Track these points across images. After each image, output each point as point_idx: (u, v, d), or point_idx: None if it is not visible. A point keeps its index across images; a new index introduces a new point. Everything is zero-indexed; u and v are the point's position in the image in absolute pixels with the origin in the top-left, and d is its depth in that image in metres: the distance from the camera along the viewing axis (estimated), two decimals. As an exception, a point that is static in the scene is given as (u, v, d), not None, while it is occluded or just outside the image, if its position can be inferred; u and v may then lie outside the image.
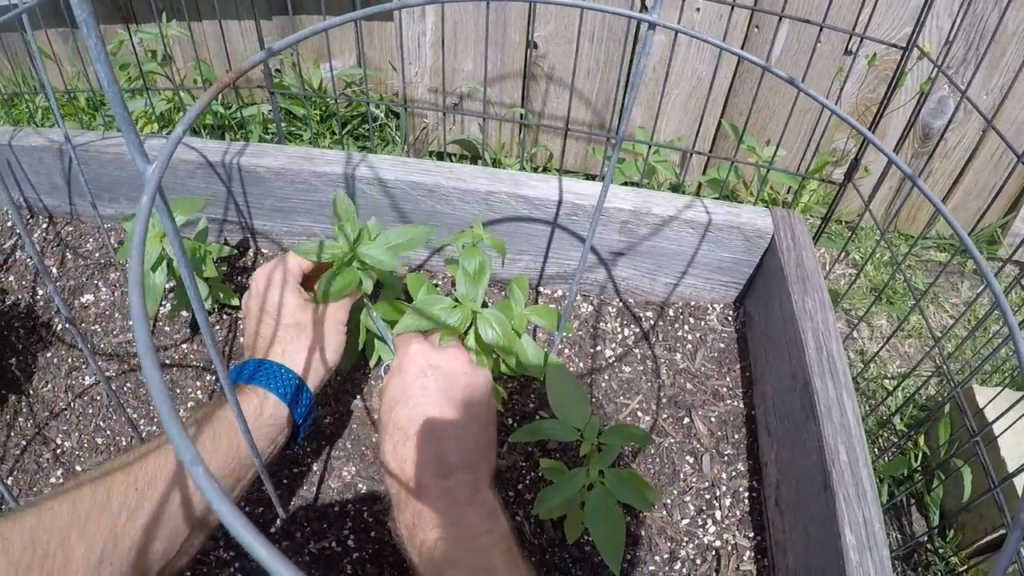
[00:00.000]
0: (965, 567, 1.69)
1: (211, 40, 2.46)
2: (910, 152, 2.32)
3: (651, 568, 1.09)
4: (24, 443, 1.25)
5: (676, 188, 1.96)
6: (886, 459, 1.88)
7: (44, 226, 1.65)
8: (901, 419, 1.98)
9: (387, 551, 1.10)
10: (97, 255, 1.58)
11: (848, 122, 0.68)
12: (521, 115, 2.21)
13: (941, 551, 1.73)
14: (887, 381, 2.06)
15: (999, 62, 2.11)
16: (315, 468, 1.20)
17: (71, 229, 1.64)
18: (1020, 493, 1.57)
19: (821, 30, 1.27)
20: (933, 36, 2.08)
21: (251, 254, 1.57)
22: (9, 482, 1.21)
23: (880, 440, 1.93)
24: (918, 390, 1.50)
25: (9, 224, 1.65)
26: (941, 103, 2.24)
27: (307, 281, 1.12)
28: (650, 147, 1.50)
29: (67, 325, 1.35)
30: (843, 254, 2.38)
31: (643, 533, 1.14)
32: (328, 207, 1.43)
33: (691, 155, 1.68)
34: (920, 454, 1.85)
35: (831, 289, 2.10)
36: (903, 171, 0.64)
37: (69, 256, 1.58)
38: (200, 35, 2.45)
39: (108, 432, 1.27)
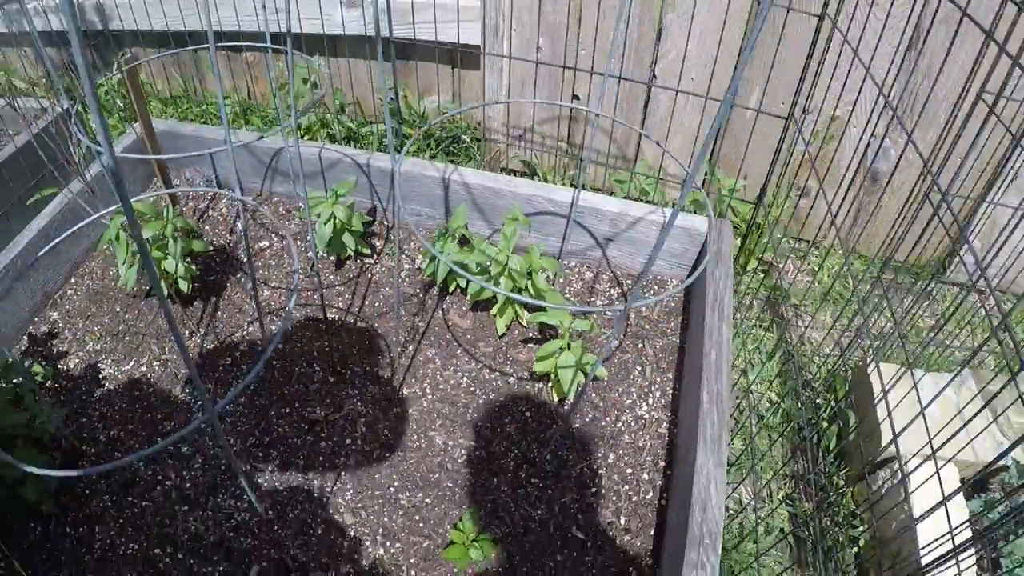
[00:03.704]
0: (849, 487, 2.42)
1: (344, 73, 3.32)
2: (863, 191, 3.02)
3: (603, 424, 1.90)
4: (220, 325, 2.14)
5: (674, 204, 2.76)
6: (804, 410, 2.63)
7: (215, 189, 2.56)
8: (819, 383, 2.72)
9: (449, 397, 1.94)
10: (270, 216, 2.46)
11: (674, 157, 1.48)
12: (564, 147, 3.01)
13: (832, 477, 2.46)
14: (816, 357, 2.81)
15: (931, 120, 2.75)
16: (410, 349, 2.05)
17: (250, 200, 2.53)
18: (882, 432, 2.32)
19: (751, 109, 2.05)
20: (881, 102, 2.74)
21: (377, 225, 2.44)
22: (212, 347, 2.09)
23: (801, 396, 2.68)
24: (825, 363, 2.22)
25: (202, 192, 2.55)
26: (884, 152, 2.94)
27: None
28: (632, 174, 2.32)
29: (244, 259, 2.24)
30: (802, 262, 3.12)
31: (601, 405, 1.95)
32: (431, 198, 2.28)
33: (659, 178, 2.46)
34: (830, 407, 2.60)
35: (787, 289, 2.84)
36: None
37: (249, 217, 2.47)
38: (336, 69, 3.30)
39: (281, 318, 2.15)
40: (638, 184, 2.66)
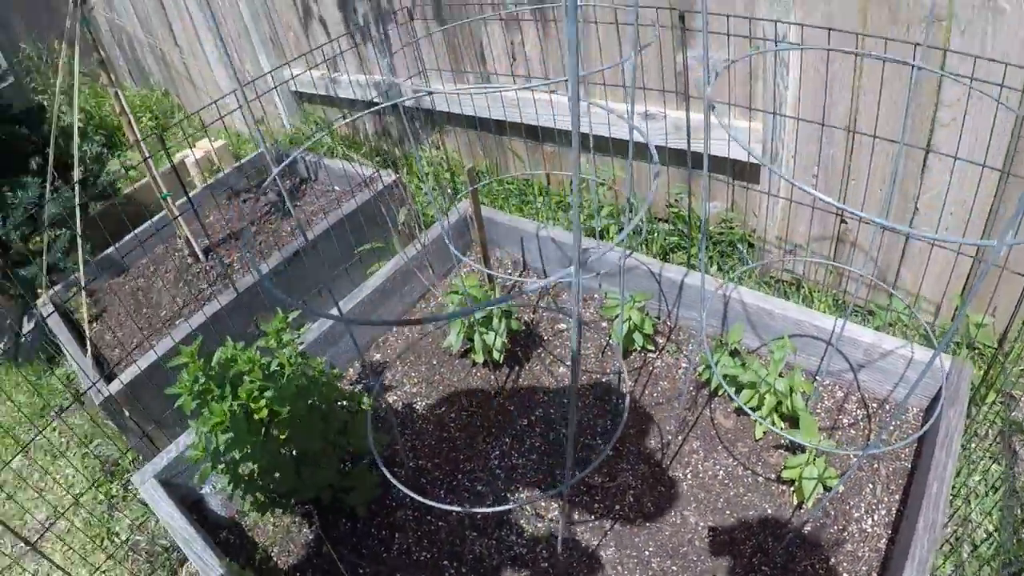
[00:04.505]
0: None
1: (619, 171, 3.88)
2: None
3: (831, 531, 2.36)
4: (522, 391, 2.75)
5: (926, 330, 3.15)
6: (1016, 546, 2.91)
7: (521, 270, 3.17)
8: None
9: (706, 484, 2.45)
10: (569, 304, 3.05)
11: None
12: (828, 267, 3.43)
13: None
14: (1046, 493, 3.10)
15: None
16: (679, 439, 2.59)
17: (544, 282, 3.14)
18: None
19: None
20: None
21: (661, 325, 3.02)
22: (513, 408, 2.69)
23: (1019, 532, 2.96)
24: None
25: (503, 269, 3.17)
26: None
27: None
28: (889, 306, 2.75)
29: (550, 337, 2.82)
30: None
31: (832, 513, 2.40)
32: (710, 310, 2.80)
33: (911, 313, 2.88)
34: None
35: (1022, 423, 3.14)
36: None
37: (551, 301, 3.07)
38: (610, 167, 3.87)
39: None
40: (895, 314, 3.07)
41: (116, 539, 3.19)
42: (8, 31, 7.06)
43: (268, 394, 2.18)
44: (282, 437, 2.26)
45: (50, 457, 3.73)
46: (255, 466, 2.30)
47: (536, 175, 4.11)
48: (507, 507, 2.04)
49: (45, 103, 6.45)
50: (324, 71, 4.96)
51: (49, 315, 3.55)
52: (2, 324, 4.54)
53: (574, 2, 1.03)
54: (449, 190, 4.18)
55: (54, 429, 3.84)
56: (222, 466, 2.26)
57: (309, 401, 2.32)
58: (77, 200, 3.38)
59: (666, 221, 3.73)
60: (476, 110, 3.97)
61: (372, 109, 2.58)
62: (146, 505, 3.18)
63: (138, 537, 3.11)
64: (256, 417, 2.16)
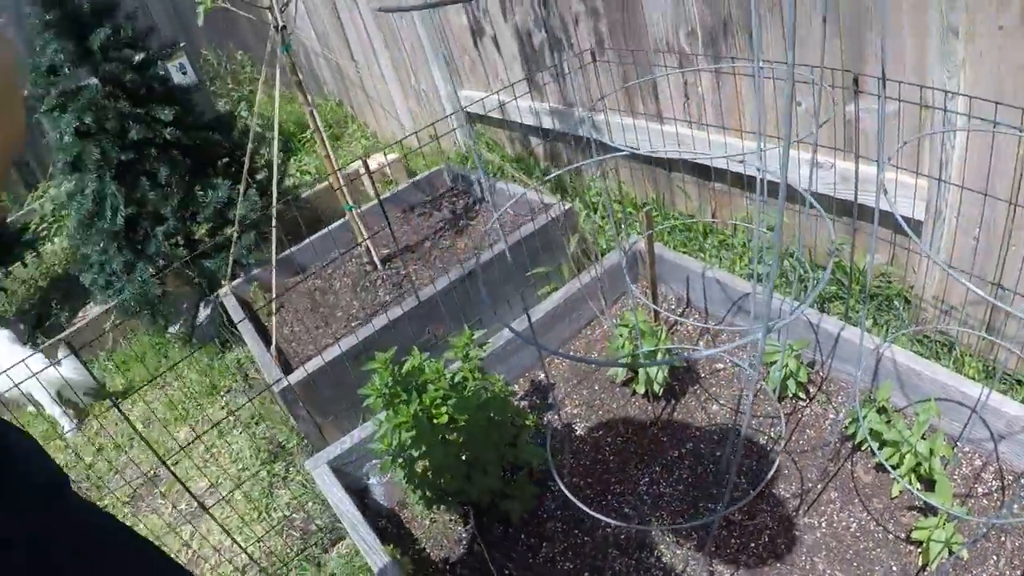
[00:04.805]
0: None
1: (794, 221, 4.05)
2: None
3: (955, 587, 2.54)
4: (675, 425, 2.99)
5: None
6: None
7: (684, 307, 3.39)
8: None
9: (838, 535, 2.66)
10: (741, 359, 3.27)
11: None
12: (980, 336, 3.55)
13: None
14: None
15: None
16: (818, 487, 2.79)
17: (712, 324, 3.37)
18: None
19: None
20: None
21: (814, 375, 3.23)
22: (665, 439, 2.94)
23: None
24: None
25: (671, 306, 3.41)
26: None
27: None
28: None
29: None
30: None
31: (950, 573, 2.56)
32: (862, 367, 2.99)
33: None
34: None
35: None
36: None
37: (711, 339, 3.30)
38: (792, 216, 4.05)
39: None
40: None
41: (274, 514, 3.57)
42: (191, 38, 7.71)
43: (451, 402, 2.55)
44: (458, 442, 2.61)
45: (217, 433, 4.15)
46: (429, 464, 2.64)
47: (706, 221, 4.33)
48: (655, 528, 2.29)
49: (229, 107, 7.10)
50: (501, 96, 5.26)
51: (241, 321, 3.93)
52: (180, 308, 5.05)
53: (790, 95, 1.27)
54: (622, 223, 4.44)
55: (222, 408, 4.27)
56: (400, 460, 2.64)
57: (489, 414, 2.67)
58: (274, 204, 3.78)
59: (825, 269, 3.89)
60: (652, 145, 4.21)
61: (597, 158, 2.85)
62: (305, 487, 3.59)
63: (294, 515, 3.48)
64: (436, 421, 2.52)
